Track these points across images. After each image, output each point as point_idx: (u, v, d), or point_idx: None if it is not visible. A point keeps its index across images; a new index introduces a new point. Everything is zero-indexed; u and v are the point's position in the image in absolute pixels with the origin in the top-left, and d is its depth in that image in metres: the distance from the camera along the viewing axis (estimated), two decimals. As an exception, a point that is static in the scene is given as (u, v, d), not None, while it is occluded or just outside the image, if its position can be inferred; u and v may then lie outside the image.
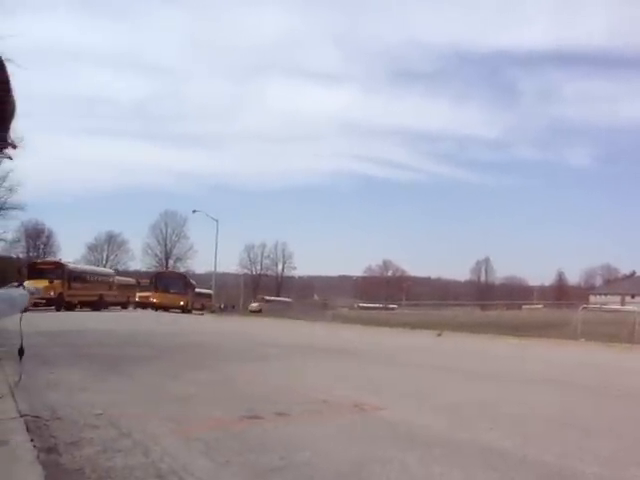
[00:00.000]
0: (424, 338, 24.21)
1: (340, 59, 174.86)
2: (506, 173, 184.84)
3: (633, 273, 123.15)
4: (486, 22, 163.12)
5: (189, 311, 53.75)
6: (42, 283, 38.78)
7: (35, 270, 41.15)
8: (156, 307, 52.33)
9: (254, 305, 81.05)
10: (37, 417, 6.17)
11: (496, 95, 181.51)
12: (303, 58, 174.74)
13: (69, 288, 42.81)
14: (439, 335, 25.18)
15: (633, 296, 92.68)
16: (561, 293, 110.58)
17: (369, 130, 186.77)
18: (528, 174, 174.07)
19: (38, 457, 4.65)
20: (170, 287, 55.67)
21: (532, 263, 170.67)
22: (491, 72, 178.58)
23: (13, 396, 7.32)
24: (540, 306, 66.06)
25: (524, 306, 63.65)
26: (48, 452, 4.88)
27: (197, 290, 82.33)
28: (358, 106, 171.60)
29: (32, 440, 5.17)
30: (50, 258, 68.13)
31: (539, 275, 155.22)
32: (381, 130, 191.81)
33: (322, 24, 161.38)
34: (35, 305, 41.26)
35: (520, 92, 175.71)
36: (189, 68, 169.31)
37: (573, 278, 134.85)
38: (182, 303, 53.66)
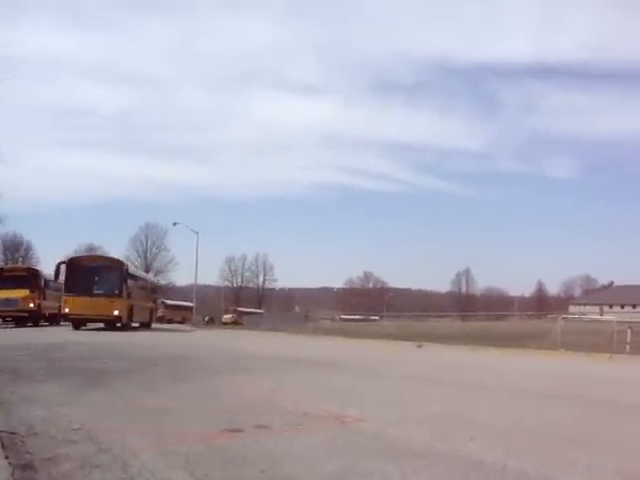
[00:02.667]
0: (405, 349, 24.23)
1: (323, 71, 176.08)
2: (488, 184, 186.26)
3: (611, 283, 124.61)
4: (469, 35, 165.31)
5: (125, 326, 33.53)
6: (16, 293, 35.64)
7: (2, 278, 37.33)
8: (72, 320, 32.52)
9: (227, 317, 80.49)
10: (13, 433, 6.07)
11: (479, 107, 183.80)
12: (286, 69, 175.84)
13: (45, 299, 37.63)
14: (420, 346, 25.21)
15: (611, 306, 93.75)
16: (541, 303, 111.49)
17: (351, 142, 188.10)
18: (509, 185, 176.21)
19: (13, 474, 4.56)
20: (94, 283, 32.65)
21: (512, 274, 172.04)
22: (474, 84, 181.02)
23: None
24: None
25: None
26: (23, 469, 4.79)
27: (177, 303, 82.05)
28: (340, 118, 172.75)
29: (7, 457, 5.07)
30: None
31: (519, 286, 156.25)
32: (363, 141, 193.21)
33: (305, 35, 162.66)
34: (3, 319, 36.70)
35: (502, 104, 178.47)
36: (172, 79, 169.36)
37: (553, 289, 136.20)
38: (116, 312, 32.12)
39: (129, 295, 34.10)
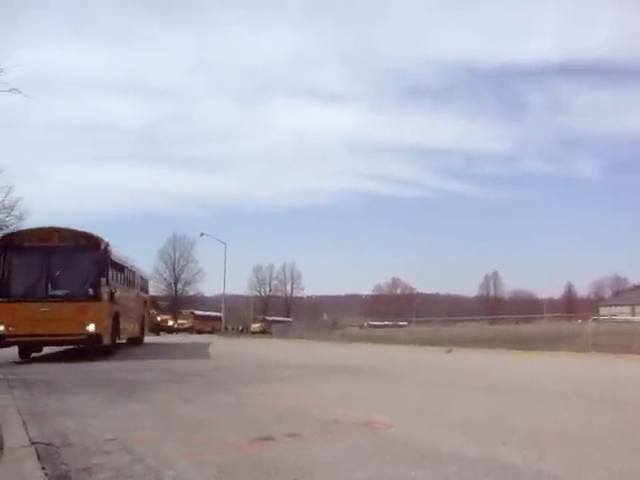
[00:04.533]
0: (434, 355, 24.10)
1: (347, 77, 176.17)
2: (514, 187, 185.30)
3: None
4: (495, 37, 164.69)
5: (108, 348, 20.32)
6: None
7: None
8: (15, 344, 19.04)
9: (255, 326, 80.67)
10: (48, 444, 6.17)
11: (505, 109, 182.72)
12: (310, 77, 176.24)
13: None
14: (449, 351, 25.05)
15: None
16: (570, 305, 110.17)
17: (377, 148, 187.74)
18: (536, 187, 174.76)
19: (50, 485, 4.64)
20: (50, 278, 19.26)
21: (541, 276, 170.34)
22: (500, 86, 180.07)
23: (24, 423, 7.32)
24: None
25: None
26: (59, 479, 4.87)
27: (206, 313, 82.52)
28: (365, 124, 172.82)
29: (43, 468, 5.17)
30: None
31: (548, 288, 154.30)
32: (389, 147, 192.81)
33: (329, 43, 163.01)
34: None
35: (529, 105, 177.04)
36: (195, 90, 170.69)
37: (582, 290, 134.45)
38: (90, 327, 18.82)
39: (112, 297, 20.51)
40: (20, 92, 17.10)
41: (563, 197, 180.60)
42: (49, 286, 18.80)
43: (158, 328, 50.79)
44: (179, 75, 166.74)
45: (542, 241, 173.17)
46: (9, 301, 18.31)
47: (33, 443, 6.14)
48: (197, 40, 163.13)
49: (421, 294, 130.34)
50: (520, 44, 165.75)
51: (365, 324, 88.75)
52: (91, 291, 18.92)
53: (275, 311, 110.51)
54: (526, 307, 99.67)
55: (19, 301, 18.21)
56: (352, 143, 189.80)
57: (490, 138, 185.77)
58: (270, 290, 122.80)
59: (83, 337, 18.42)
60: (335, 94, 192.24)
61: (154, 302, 58.14)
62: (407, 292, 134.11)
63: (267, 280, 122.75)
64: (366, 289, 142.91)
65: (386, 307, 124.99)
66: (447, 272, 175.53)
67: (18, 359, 18.96)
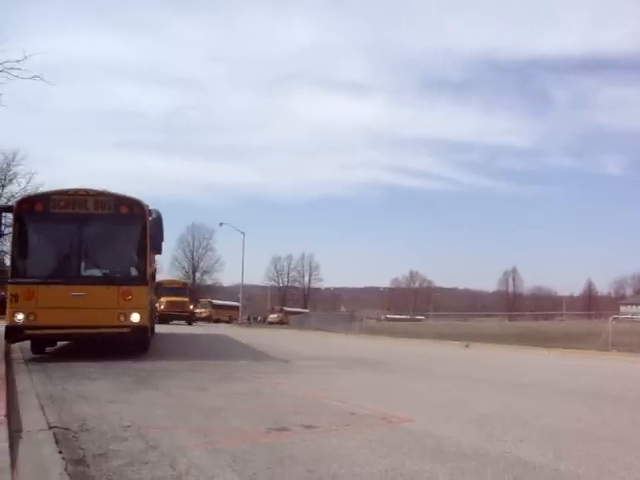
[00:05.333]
0: (452, 349, 24.01)
1: (369, 69, 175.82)
2: (536, 182, 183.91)
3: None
4: (518, 30, 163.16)
5: (145, 344, 15.66)
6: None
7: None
8: (28, 337, 14.49)
9: (273, 316, 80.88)
10: (66, 429, 6.21)
11: (527, 103, 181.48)
12: (332, 69, 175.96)
13: None
14: (467, 346, 24.95)
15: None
16: (591, 303, 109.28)
17: (397, 140, 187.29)
18: (558, 182, 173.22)
19: (66, 469, 4.66)
20: (82, 254, 14.79)
21: (561, 273, 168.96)
22: (523, 80, 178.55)
23: (42, 408, 7.38)
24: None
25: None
26: (76, 464, 4.89)
27: (224, 302, 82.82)
28: (387, 116, 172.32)
29: (61, 452, 5.20)
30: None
31: (568, 285, 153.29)
32: (410, 140, 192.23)
33: (350, 34, 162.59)
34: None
35: (552, 100, 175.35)
36: (217, 80, 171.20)
37: (603, 288, 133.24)
38: (135, 318, 14.33)
39: (153, 280, 19.53)
40: (42, 79, 17.20)
41: (585, 193, 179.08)
42: (82, 265, 14.51)
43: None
44: (202, 64, 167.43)
45: (563, 237, 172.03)
46: (30, 283, 13.74)
47: (51, 427, 6.19)
48: (220, 30, 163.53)
49: (439, 288, 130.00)
50: (543, 37, 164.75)
51: (382, 317, 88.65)
52: (135, 272, 14.68)
53: (292, 302, 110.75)
54: (545, 304, 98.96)
55: (43, 283, 13.72)
56: (373, 135, 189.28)
57: (512, 132, 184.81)
58: (288, 281, 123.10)
59: (125, 330, 14.02)
60: (356, 85, 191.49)
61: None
62: (425, 285, 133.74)
63: (285, 271, 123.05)
64: (384, 282, 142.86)
65: (404, 300, 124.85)
66: (466, 267, 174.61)
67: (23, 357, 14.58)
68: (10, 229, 15.38)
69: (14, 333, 13.63)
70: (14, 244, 14.34)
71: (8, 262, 16.38)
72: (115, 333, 14.10)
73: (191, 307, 51.17)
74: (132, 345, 15.00)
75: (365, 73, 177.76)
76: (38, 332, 13.76)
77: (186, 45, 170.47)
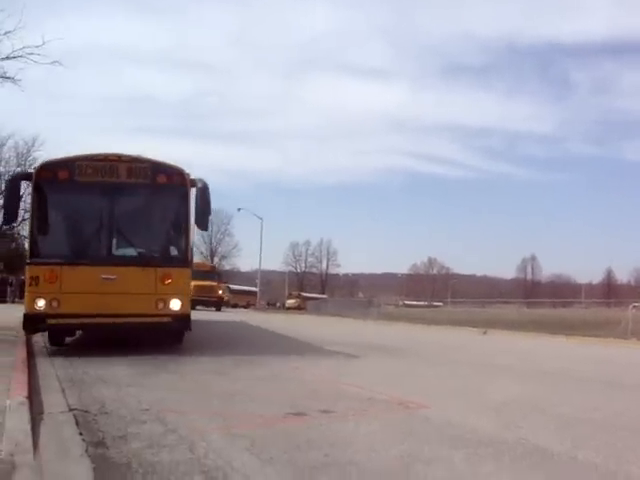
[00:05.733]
0: (470, 336, 23.97)
1: (388, 55, 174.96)
2: (557, 168, 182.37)
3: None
4: (539, 14, 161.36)
5: (181, 335, 13.29)
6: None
7: None
8: (47, 328, 12.27)
9: (290, 302, 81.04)
10: (86, 411, 6.28)
11: (549, 89, 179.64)
12: (352, 54, 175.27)
13: None
14: (485, 333, 24.90)
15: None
16: (610, 291, 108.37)
17: (417, 126, 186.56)
18: (579, 169, 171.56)
19: (87, 450, 4.72)
20: (114, 231, 12.60)
21: (580, 261, 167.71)
22: (544, 65, 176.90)
23: (63, 391, 7.47)
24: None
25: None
26: (96, 446, 4.95)
27: (241, 288, 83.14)
28: (407, 102, 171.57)
29: (81, 434, 5.26)
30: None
31: (587, 273, 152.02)
32: (430, 126, 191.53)
33: (372, 19, 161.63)
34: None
35: (574, 85, 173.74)
36: (235, 65, 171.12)
37: (623, 276, 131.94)
38: (176, 305, 12.12)
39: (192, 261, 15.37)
40: (61, 64, 17.25)
41: (605, 180, 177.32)
42: (113, 242, 12.47)
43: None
44: (220, 50, 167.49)
45: (582, 225, 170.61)
46: (53, 264, 11.66)
47: (71, 410, 6.26)
48: (239, 15, 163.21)
49: (457, 275, 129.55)
50: (565, 20, 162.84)
51: (400, 303, 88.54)
52: (175, 251, 12.67)
53: (310, 288, 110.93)
54: (564, 292, 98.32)
55: (68, 264, 11.64)
56: (393, 120, 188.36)
57: (533, 118, 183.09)
58: (305, 267, 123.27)
59: (165, 319, 11.92)
60: (376, 71, 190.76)
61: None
62: (443, 272, 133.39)
63: (303, 257, 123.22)
64: (402, 268, 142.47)
65: (422, 287, 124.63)
66: (484, 253, 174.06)
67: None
68: (29, 201, 12.94)
69: (34, 322, 11.56)
70: (33, 218, 12.15)
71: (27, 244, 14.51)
72: (152, 323, 11.95)
73: (220, 292, 50.02)
74: (167, 336, 13.19)
75: (385, 58, 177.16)
76: (62, 321, 11.54)
77: (205, 30, 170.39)
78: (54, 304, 11.39)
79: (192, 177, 12.47)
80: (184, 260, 12.36)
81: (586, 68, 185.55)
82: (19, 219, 31.77)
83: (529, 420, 6.47)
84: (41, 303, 11.36)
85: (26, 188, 13.67)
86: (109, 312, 11.42)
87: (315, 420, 6.23)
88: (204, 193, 12.37)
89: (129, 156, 12.33)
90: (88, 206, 12.57)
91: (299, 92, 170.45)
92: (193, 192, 12.38)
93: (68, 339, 13.20)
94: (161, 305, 11.83)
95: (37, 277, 11.50)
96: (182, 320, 12.02)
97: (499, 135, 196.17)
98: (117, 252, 12.31)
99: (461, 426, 6.09)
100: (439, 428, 6.00)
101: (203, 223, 12.57)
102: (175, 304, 11.87)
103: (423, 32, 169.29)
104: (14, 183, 12.64)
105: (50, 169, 12.09)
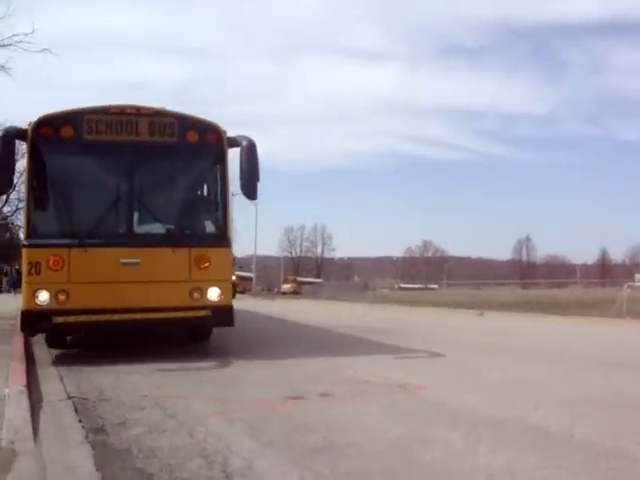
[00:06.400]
0: (466, 317, 24.06)
1: (382, 37, 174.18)
2: (552, 149, 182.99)
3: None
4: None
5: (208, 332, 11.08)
6: None
7: None
8: (49, 329, 9.64)
9: (286, 287, 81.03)
10: (85, 399, 6.30)
11: (544, 69, 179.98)
12: (345, 37, 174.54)
13: None
14: (481, 315, 25.00)
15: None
16: (605, 271, 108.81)
17: (413, 109, 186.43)
18: (574, 149, 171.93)
19: (87, 437, 4.74)
20: (135, 201, 9.80)
21: (575, 241, 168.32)
22: (538, 46, 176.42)
23: (61, 378, 7.48)
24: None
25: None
26: (96, 432, 4.98)
27: (237, 273, 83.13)
28: (402, 84, 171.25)
29: (80, 421, 5.29)
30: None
31: (582, 253, 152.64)
32: (425, 108, 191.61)
33: (367, 1, 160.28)
34: None
35: (569, 65, 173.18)
36: (228, 51, 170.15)
37: (617, 256, 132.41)
38: (214, 295, 9.58)
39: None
40: (52, 52, 17.09)
41: (601, 160, 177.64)
42: (134, 217, 9.81)
43: None
44: (213, 35, 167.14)
45: (577, 205, 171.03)
46: (58, 245, 9.13)
47: (70, 397, 6.28)
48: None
49: (452, 257, 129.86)
50: (558, 1, 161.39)
51: (396, 286, 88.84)
52: (212, 227, 10.24)
53: (306, 272, 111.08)
54: (559, 272, 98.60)
55: (78, 245, 9.06)
56: (387, 103, 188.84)
57: (529, 99, 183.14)
58: (301, 251, 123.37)
59: (203, 313, 9.40)
60: (370, 54, 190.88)
61: None
62: (438, 255, 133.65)
63: (298, 241, 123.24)
64: (397, 251, 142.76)
65: (417, 270, 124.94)
66: (479, 235, 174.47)
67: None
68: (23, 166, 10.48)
69: (35, 321, 9.01)
70: (31, 189, 9.49)
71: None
72: (187, 319, 9.52)
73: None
74: (194, 332, 11.07)
75: (379, 41, 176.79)
76: (71, 319, 8.90)
77: (198, 15, 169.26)
78: (61, 297, 8.90)
79: (236, 135, 10.00)
80: (223, 237, 9.86)
81: (581, 48, 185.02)
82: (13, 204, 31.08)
83: (526, 400, 6.51)
84: (44, 296, 8.86)
85: (20, 151, 10.93)
86: (131, 306, 9.03)
87: (314, 404, 6.28)
88: (251, 153, 9.76)
89: (151, 108, 9.91)
90: (100, 172, 9.90)
91: (294, 76, 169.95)
92: (230, 154, 10.01)
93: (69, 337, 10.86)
94: (197, 295, 9.41)
95: (38, 263, 8.93)
96: (223, 313, 9.54)
97: (494, 117, 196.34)
98: (140, 229, 9.62)
99: (459, 406, 6.14)
100: (437, 409, 6.04)
101: (252, 191, 9.80)
102: (214, 293, 9.49)
103: (418, 14, 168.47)
104: (4, 141, 9.11)
105: (51, 125, 9.47)
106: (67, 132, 9.38)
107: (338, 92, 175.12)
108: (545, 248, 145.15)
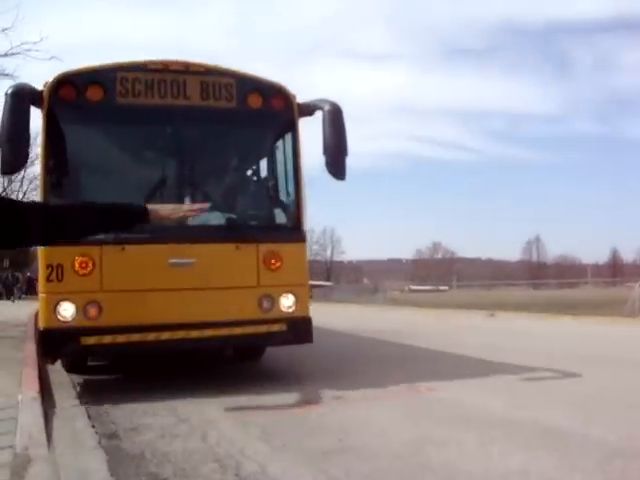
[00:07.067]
0: (477, 318, 23.96)
1: (389, 38, 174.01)
2: (561, 149, 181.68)
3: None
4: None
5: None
6: None
7: None
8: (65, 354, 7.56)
9: None
10: (98, 404, 6.32)
11: (552, 69, 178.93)
12: (353, 39, 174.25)
13: None
14: (492, 315, 24.88)
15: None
16: (616, 271, 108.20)
17: (421, 110, 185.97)
18: (584, 149, 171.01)
19: (100, 442, 4.75)
20: (186, 175, 7.77)
21: (585, 241, 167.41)
22: (546, 45, 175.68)
23: (74, 385, 7.50)
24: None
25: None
26: (109, 437, 4.99)
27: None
28: (408, 85, 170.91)
29: (93, 426, 5.29)
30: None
31: (593, 253, 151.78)
32: (433, 110, 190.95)
33: (372, 3, 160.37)
34: None
35: (577, 64, 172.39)
36: (234, 54, 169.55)
37: (629, 255, 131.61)
38: (288, 303, 7.50)
39: None
40: (61, 60, 17.14)
41: (611, 159, 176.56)
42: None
43: None
44: (219, 39, 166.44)
45: (588, 205, 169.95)
46: (86, 243, 6.33)
47: (83, 403, 6.29)
48: (239, 3, 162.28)
49: (462, 258, 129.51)
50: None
51: (406, 288, 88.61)
52: (283, 216, 8.18)
53: (315, 276, 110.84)
54: (570, 273, 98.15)
55: (113, 243, 6.79)
56: (397, 105, 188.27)
57: (537, 99, 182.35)
58: (310, 255, 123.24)
59: (276, 328, 7.43)
60: (377, 55, 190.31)
61: None
62: (448, 256, 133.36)
63: (308, 245, 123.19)
64: (407, 253, 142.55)
65: (427, 271, 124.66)
66: (489, 236, 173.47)
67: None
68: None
69: (58, 343, 6.88)
70: (47, 169, 7.18)
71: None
72: (257, 335, 7.44)
73: None
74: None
75: (386, 43, 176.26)
76: (107, 341, 6.82)
77: (204, 19, 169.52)
78: (91, 311, 6.82)
79: (316, 100, 7.96)
80: (298, 229, 7.85)
81: (588, 46, 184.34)
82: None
83: (539, 400, 6.48)
84: (69, 310, 6.77)
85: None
86: (184, 321, 6.99)
87: (327, 406, 6.27)
88: (337, 120, 7.62)
89: (203, 65, 7.74)
90: (138, 145, 7.99)
91: (300, 78, 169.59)
92: (301, 123, 7.98)
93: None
94: (267, 304, 7.40)
95: (59, 266, 6.82)
96: (300, 327, 7.53)
97: (503, 117, 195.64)
98: (193, 219, 6.61)
99: (472, 408, 6.11)
100: (450, 410, 6.01)
101: (339, 168, 7.63)
102: (289, 302, 7.48)
103: (424, 15, 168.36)
104: (15, 101, 6.69)
105: (73, 85, 7.20)
106: (94, 94, 7.22)
107: (346, 94, 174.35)
108: (555, 248, 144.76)
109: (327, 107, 7.64)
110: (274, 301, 7.39)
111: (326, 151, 7.54)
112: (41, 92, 7.06)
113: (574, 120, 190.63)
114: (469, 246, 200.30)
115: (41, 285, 6.97)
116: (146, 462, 4.35)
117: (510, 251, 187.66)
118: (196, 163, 7.78)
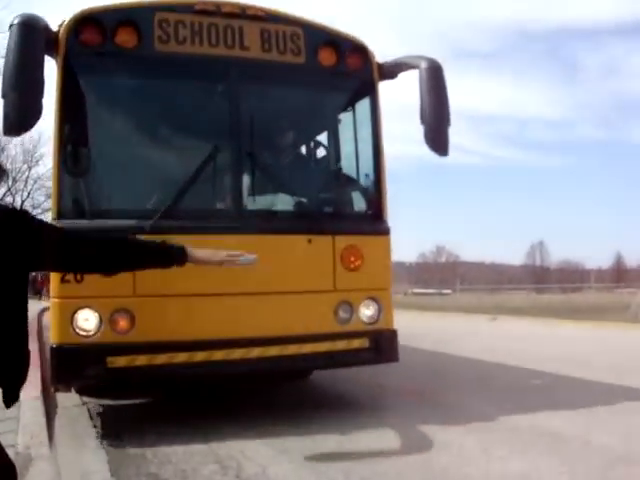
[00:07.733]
0: (479, 322, 23.93)
1: (395, 41, 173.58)
2: (567, 153, 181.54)
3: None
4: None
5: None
6: None
7: None
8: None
9: None
10: (99, 405, 6.31)
11: (558, 73, 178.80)
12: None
13: None
14: (494, 319, 24.84)
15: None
16: (619, 275, 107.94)
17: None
18: (589, 153, 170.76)
19: (101, 442, 4.75)
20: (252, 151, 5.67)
21: (589, 246, 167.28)
22: (553, 49, 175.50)
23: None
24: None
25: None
26: (111, 438, 4.98)
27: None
28: (415, 88, 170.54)
29: (95, 426, 5.30)
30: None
31: (596, 258, 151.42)
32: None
33: (376, 5, 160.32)
34: None
35: (584, 69, 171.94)
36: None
37: (632, 260, 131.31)
38: (372, 312, 5.95)
39: None
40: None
41: (616, 164, 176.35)
42: (244, 186, 5.74)
43: None
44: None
45: (592, 210, 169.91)
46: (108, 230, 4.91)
47: (84, 403, 6.30)
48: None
49: (466, 262, 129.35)
50: (573, 4, 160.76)
51: (409, 291, 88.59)
52: (363, 203, 6.48)
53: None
54: (573, 277, 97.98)
55: (151, 233, 4.80)
56: (401, 108, 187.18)
57: (543, 103, 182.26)
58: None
59: (357, 344, 5.86)
60: (383, 57, 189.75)
61: None
62: (451, 260, 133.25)
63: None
64: (410, 257, 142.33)
65: (430, 275, 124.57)
66: (492, 240, 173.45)
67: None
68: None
69: (76, 365, 5.05)
70: (62, 136, 5.30)
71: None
72: (335, 354, 5.77)
73: None
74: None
75: (391, 45, 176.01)
76: (142, 362, 5.10)
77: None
78: (121, 323, 5.11)
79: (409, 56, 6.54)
80: (380, 218, 6.24)
81: (595, 51, 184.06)
82: None
83: (541, 405, 6.46)
84: (91, 321, 5.05)
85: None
86: (243, 335, 5.37)
87: (329, 410, 6.25)
88: (438, 81, 6.09)
89: (263, 9, 5.97)
90: (181, 108, 6.08)
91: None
92: (382, 87, 6.47)
93: None
94: (345, 314, 5.86)
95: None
96: (385, 342, 6.15)
97: (509, 121, 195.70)
98: (253, 204, 5.75)
99: (473, 411, 6.10)
100: (451, 414, 5.99)
101: (441, 140, 6.10)
102: (370, 311, 5.98)
103: (430, 18, 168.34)
104: (25, 37, 4.80)
105: (98, 26, 5.40)
106: (126, 39, 5.45)
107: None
108: (559, 253, 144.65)
109: (425, 65, 6.03)
110: (353, 310, 5.86)
111: (425, 120, 5.95)
112: (56, 34, 5.30)
113: (580, 125, 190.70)
114: (473, 250, 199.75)
115: (54, 287, 5.14)
116: (147, 463, 4.35)
117: (514, 255, 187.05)
118: (256, 132, 5.77)
